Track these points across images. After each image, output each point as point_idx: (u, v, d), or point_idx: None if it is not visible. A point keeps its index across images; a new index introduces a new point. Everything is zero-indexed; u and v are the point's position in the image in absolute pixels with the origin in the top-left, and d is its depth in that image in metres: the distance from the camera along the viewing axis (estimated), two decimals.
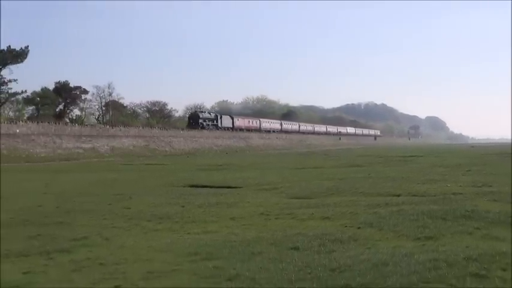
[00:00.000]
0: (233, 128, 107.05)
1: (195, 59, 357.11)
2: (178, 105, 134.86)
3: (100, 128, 67.45)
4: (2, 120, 58.32)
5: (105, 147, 62.84)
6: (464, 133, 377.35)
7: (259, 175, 27.99)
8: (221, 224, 12.13)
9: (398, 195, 17.00)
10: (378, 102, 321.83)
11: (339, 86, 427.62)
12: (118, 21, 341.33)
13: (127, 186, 22.05)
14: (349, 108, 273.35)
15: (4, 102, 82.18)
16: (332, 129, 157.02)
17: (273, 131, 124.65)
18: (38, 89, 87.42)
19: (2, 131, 52.89)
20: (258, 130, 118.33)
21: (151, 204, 15.67)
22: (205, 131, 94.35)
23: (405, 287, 6.70)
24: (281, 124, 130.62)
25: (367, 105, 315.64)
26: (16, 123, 57.74)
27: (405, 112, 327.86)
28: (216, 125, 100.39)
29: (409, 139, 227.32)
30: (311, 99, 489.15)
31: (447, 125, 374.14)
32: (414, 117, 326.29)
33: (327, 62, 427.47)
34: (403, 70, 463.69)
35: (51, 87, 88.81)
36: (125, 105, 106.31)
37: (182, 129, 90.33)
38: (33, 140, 54.96)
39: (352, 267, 7.58)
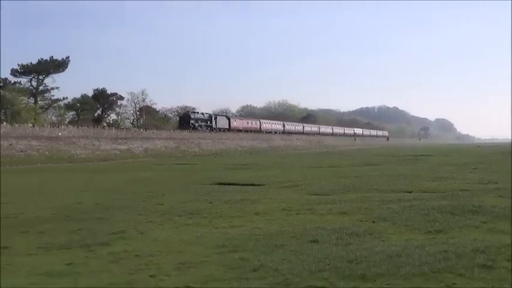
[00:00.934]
0: (229, 129, 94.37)
1: (222, 66, 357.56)
2: (206, 109, 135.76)
3: (134, 131, 67.71)
4: (46, 124, 58.72)
5: (140, 148, 63.10)
6: (471, 133, 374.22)
7: (280, 173, 27.96)
8: (246, 218, 12.13)
9: (410, 192, 16.90)
10: (390, 106, 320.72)
11: (354, 90, 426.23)
12: (150, 33, 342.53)
13: (160, 184, 22.13)
14: (363, 111, 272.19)
15: (47, 108, 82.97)
16: (339, 130, 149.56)
17: (275, 132, 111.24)
18: (78, 95, 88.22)
19: (46, 134, 53.34)
20: (258, 131, 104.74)
21: (182, 201, 15.70)
22: (229, 134, 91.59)
23: (417, 277, 6.66)
24: (283, 125, 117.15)
25: (380, 108, 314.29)
26: (58, 127, 58.20)
27: (416, 114, 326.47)
28: (211, 126, 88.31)
29: (420, 140, 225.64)
30: (328, 102, 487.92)
31: (455, 126, 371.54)
32: (424, 119, 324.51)
33: (343, 68, 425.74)
34: (414, 75, 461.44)
35: (90, 94, 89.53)
36: (157, 110, 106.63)
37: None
38: (74, 142, 55.35)
39: (367, 259, 7.56)
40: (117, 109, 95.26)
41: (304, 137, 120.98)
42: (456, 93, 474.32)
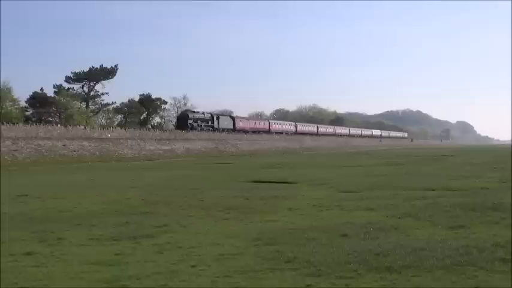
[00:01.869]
0: (234, 130, 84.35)
1: (257, 72, 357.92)
2: (243, 113, 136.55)
3: (177, 132, 68.06)
4: (96, 126, 59.41)
5: (181, 148, 63.44)
6: (490, 135, 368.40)
7: (311, 172, 27.89)
8: (280, 214, 12.11)
9: (433, 190, 16.73)
10: (414, 109, 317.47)
11: (380, 94, 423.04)
12: (191, 42, 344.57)
13: (200, 182, 22.21)
14: (388, 115, 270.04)
15: (98, 112, 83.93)
16: (357, 131, 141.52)
17: (286, 133, 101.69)
18: (125, 100, 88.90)
19: (96, 136, 54.02)
20: (267, 132, 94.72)
21: (220, 197, 15.76)
22: (265, 135, 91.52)
23: (440, 269, 6.59)
24: (295, 126, 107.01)
25: (404, 112, 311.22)
26: (107, 129, 58.86)
27: (438, 117, 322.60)
28: (212, 126, 78.22)
29: (441, 141, 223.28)
30: (356, 106, 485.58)
31: (474, 129, 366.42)
32: (446, 122, 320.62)
33: (370, 73, 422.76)
34: (437, 80, 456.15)
35: (137, 98, 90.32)
36: None
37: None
38: (121, 143, 55.91)
39: (394, 252, 7.50)
40: (161, 112, 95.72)
41: (324, 138, 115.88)
42: (476, 97, 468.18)
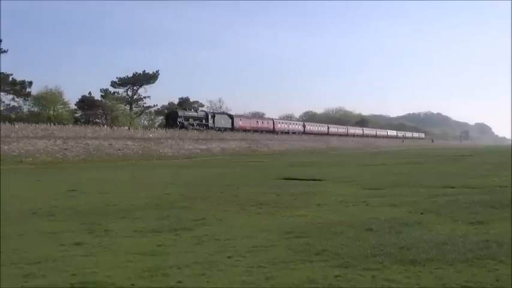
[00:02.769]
0: (233, 129, 75.77)
1: (288, 76, 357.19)
2: (274, 115, 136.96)
3: (213, 133, 68.35)
4: (139, 127, 59.93)
5: (217, 148, 63.68)
6: (508, 136, 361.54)
7: (338, 170, 27.73)
8: (309, 209, 12.05)
9: (453, 187, 16.45)
10: (435, 112, 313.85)
11: (403, 97, 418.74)
12: (226, 49, 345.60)
13: (234, 179, 22.24)
14: (410, 117, 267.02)
15: (141, 114, 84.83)
16: (371, 131, 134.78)
17: (293, 133, 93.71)
18: (165, 103, 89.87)
19: (139, 136, 54.56)
20: (271, 131, 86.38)
21: (253, 193, 15.75)
22: (294, 136, 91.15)
23: (462, 262, 6.49)
24: (304, 126, 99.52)
25: (425, 114, 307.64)
26: (149, 130, 59.45)
27: (457, 119, 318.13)
28: (207, 125, 70.07)
29: (461, 142, 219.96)
30: (380, 108, 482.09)
31: (492, 130, 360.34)
32: (464, 124, 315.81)
33: (393, 77, 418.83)
34: (456, 83, 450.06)
35: (176, 101, 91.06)
36: None
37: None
38: (162, 142, 56.36)
39: (417, 246, 7.41)
40: None
41: (349, 139, 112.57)
42: (494, 100, 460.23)
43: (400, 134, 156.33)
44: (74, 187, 17.97)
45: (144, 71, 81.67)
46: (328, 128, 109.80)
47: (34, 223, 10.48)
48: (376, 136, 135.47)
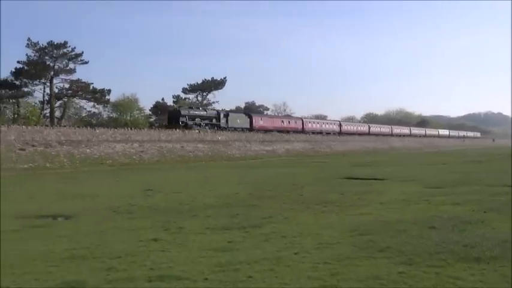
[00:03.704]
0: (251, 130, 65.26)
1: (348, 79, 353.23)
2: (337, 117, 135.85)
3: (278, 135, 68.42)
4: (208, 131, 60.78)
5: (282, 149, 63.70)
6: None
7: (400, 170, 27.20)
8: (372, 207, 11.92)
9: None
10: (495, 111, 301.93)
11: (464, 97, 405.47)
12: (290, 54, 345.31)
13: (299, 178, 22.19)
14: (470, 116, 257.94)
15: None
16: (419, 131, 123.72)
17: (327, 133, 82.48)
18: (233, 107, 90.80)
19: (208, 138, 55.34)
20: (300, 131, 74.75)
21: (318, 192, 15.70)
22: (356, 137, 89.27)
23: None
24: (340, 125, 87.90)
25: (486, 114, 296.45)
26: (218, 132, 60.15)
27: None
28: (218, 125, 60.74)
29: None
30: (440, 109, 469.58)
31: None
32: None
33: (454, 78, 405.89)
34: None
35: (243, 106, 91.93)
36: None
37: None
38: (230, 144, 56.94)
39: (480, 244, 7.21)
40: None
41: (411, 139, 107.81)
42: None
43: (453, 133, 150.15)
44: (150, 187, 18.46)
45: (213, 77, 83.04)
46: (369, 127, 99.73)
47: (114, 220, 10.86)
48: (437, 136, 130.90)
